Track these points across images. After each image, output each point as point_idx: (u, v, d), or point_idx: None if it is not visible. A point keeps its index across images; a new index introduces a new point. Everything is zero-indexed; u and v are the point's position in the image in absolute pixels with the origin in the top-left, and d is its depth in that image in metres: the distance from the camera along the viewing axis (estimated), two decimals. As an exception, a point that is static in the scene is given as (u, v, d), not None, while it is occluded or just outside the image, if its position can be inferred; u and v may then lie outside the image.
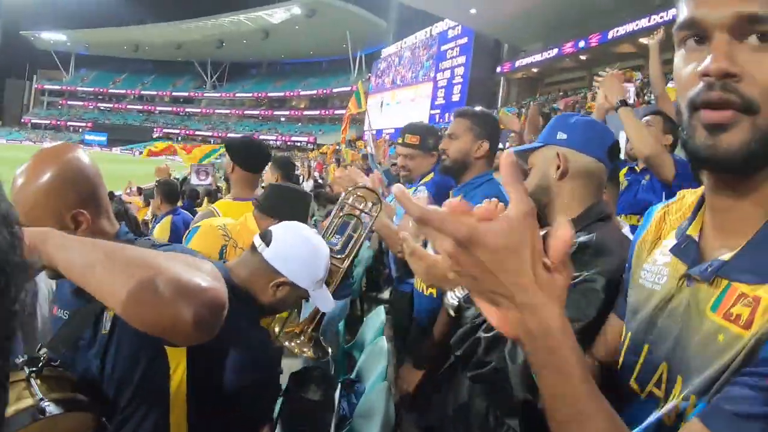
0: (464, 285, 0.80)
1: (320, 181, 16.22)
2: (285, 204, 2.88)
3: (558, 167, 1.79)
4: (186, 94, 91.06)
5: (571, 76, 39.93)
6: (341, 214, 2.85)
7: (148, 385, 1.57)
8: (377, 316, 3.97)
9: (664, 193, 3.40)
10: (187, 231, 3.04)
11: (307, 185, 14.39)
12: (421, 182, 3.50)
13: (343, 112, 67.09)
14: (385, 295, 5.84)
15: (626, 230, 2.59)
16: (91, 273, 1.21)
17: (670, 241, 1.10)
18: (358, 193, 2.89)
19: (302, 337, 2.32)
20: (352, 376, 3.40)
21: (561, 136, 1.85)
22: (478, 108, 3.22)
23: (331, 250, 2.57)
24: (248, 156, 3.53)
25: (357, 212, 2.84)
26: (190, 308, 1.15)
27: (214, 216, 3.23)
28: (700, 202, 1.06)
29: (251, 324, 1.96)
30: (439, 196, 3.24)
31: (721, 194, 0.97)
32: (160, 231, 5.48)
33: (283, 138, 73.16)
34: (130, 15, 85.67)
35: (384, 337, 3.40)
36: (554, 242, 0.76)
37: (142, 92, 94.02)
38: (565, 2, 31.82)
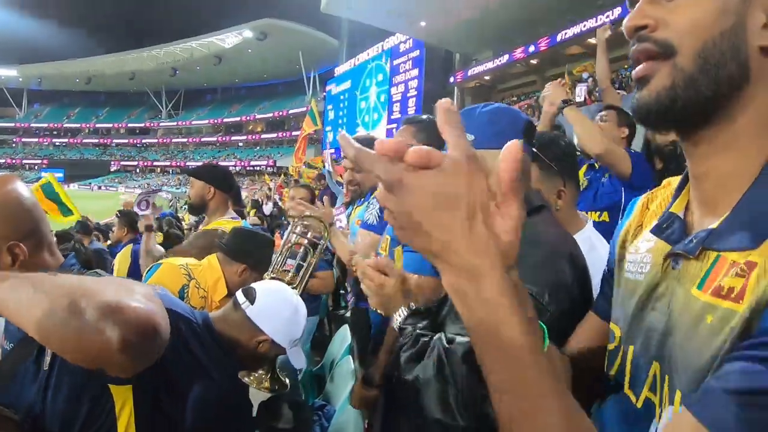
0: (399, 238, 0.71)
1: (280, 203, 16.12)
2: (250, 249, 2.97)
3: None
4: (142, 124, 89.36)
5: (524, 80, 40.57)
6: (290, 244, 3.07)
7: (93, 424, 1.49)
8: (343, 336, 3.89)
9: (623, 189, 3.39)
10: (149, 267, 3.01)
11: (267, 208, 14.27)
12: (372, 195, 3.48)
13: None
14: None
15: (589, 226, 2.54)
16: (16, 303, 1.16)
17: (643, 235, 1.07)
18: (305, 223, 3.10)
19: (260, 371, 2.29)
20: (321, 398, 3.38)
21: (469, 137, 1.66)
22: (424, 116, 3.15)
23: (282, 280, 2.92)
24: (224, 177, 3.82)
25: (305, 242, 3.06)
26: (115, 330, 1.07)
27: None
28: (684, 180, 1.02)
29: (227, 373, 2.02)
30: None
31: (697, 160, 0.94)
32: (121, 259, 5.47)
33: (242, 163, 72.53)
34: (81, 47, 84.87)
35: (350, 357, 3.33)
36: (501, 167, 0.68)
37: (97, 125, 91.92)
38: (513, 9, 32.26)
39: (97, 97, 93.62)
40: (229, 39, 67.61)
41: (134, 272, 5.44)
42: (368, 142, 2.71)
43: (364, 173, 3.48)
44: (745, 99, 0.86)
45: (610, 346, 1.11)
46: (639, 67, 0.91)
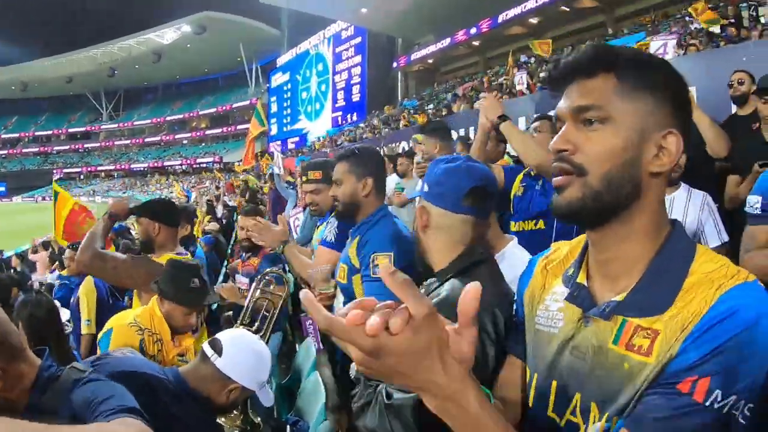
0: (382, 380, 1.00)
1: (230, 203, 15.94)
2: (179, 286, 2.99)
3: (420, 220, 1.87)
4: (83, 129, 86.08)
5: (467, 62, 41.00)
6: (254, 300, 3.45)
7: None
8: (307, 348, 3.90)
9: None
10: (102, 333, 3.03)
11: (218, 210, 14.11)
12: (331, 215, 3.60)
13: (246, 126, 66.34)
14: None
15: (516, 252, 2.63)
16: None
17: (559, 287, 1.31)
18: (267, 277, 3.54)
19: (233, 412, 2.48)
20: (292, 413, 3.44)
21: (425, 188, 1.89)
22: (358, 146, 3.42)
23: (250, 330, 3.23)
24: (169, 212, 3.84)
25: (267, 295, 3.47)
26: None
27: None
28: (582, 255, 1.29)
29: (204, 421, 2.25)
30: (346, 225, 3.35)
31: (601, 248, 1.21)
32: (86, 293, 5.37)
33: (188, 161, 71.40)
34: (14, 53, 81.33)
35: (317, 372, 3.35)
36: (461, 305, 0.87)
37: (37, 133, 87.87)
38: (452, -9, 32.50)
39: (35, 104, 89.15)
40: (167, 35, 66.02)
41: (101, 301, 5.34)
42: (329, 163, 2.78)
43: (323, 195, 3.68)
44: (638, 206, 1.15)
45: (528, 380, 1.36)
46: (558, 178, 1.17)
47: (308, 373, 3.55)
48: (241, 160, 50.81)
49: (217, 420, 2.38)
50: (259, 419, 2.60)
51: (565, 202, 1.16)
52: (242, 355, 2.32)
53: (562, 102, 1.20)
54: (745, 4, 18.32)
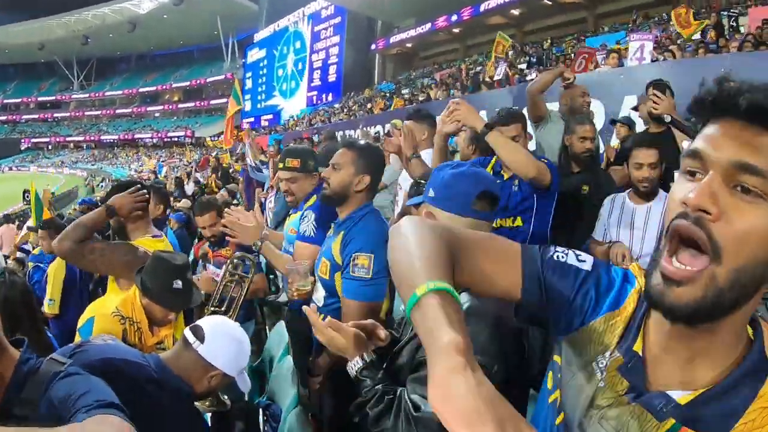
0: None
1: (202, 181, 15.76)
2: (162, 286, 2.93)
3: None
4: (53, 98, 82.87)
5: (446, 48, 41.01)
6: (225, 282, 3.54)
7: None
8: (280, 333, 3.88)
9: (535, 195, 3.63)
10: (82, 322, 2.93)
11: (188, 188, 13.94)
12: (306, 206, 3.65)
13: (219, 101, 65.73)
14: (282, 297, 5.75)
15: None
16: None
17: (607, 354, 1.12)
18: (235, 260, 3.58)
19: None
20: (265, 397, 3.44)
21: (431, 193, 1.93)
22: (364, 142, 3.35)
23: (219, 311, 3.42)
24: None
25: (236, 277, 3.53)
26: None
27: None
28: (641, 321, 1.11)
29: (185, 406, 2.29)
30: (324, 218, 3.41)
31: (679, 337, 1.01)
32: (55, 271, 5.30)
33: (159, 135, 69.90)
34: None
35: (290, 356, 3.34)
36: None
37: (5, 101, 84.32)
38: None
39: (4, 71, 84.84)
40: (144, 4, 64.07)
41: (70, 282, 5.25)
42: (308, 152, 2.79)
43: (299, 184, 3.72)
44: (744, 308, 0.94)
45: (551, 399, 1.22)
46: (678, 270, 0.92)
47: (280, 357, 3.53)
48: (214, 136, 50.37)
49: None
50: (227, 399, 2.63)
51: (683, 302, 0.92)
52: (224, 342, 2.34)
53: (714, 144, 0.93)
54: (725, 13, 18.61)
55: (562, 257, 1.22)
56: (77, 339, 2.79)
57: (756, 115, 0.89)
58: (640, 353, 1.07)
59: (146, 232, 3.59)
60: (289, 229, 3.78)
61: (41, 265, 6.58)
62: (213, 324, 2.39)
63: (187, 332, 2.32)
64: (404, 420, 1.61)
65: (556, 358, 1.24)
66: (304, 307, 1.98)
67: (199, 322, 2.38)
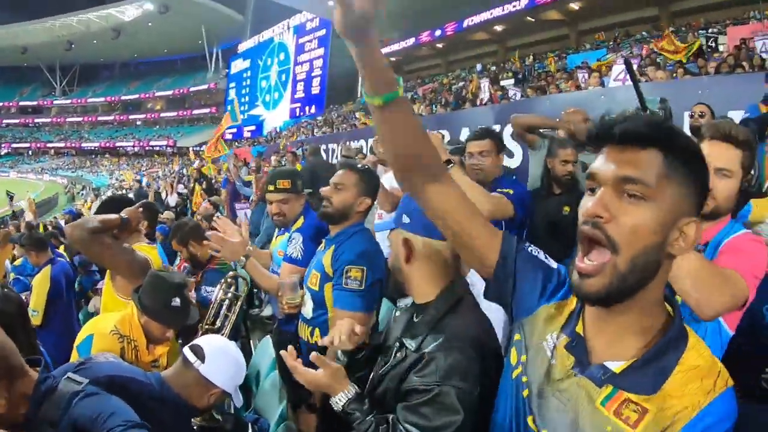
0: None
1: (185, 192, 15.71)
2: (161, 304, 2.96)
3: (404, 253, 1.92)
4: (34, 103, 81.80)
5: (429, 63, 41.34)
6: (217, 301, 3.62)
7: None
8: (266, 347, 3.93)
9: (503, 223, 3.73)
10: (80, 339, 2.97)
11: (172, 199, 13.92)
12: (293, 228, 3.73)
13: (202, 111, 65.41)
14: (266, 311, 5.81)
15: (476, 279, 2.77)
16: None
17: (554, 334, 1.41)
18: (229, 280, 3.68)
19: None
20: (251, 411, 3.50)
21: (405, 219, 1.95)
22: (362, 166, 3.44)
23: (213, 329, 3.53)
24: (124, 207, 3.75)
25: (229, 295, 3.63)
26: None
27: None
28: (582, 305, 1.39)
29: (184, 423, 2.41)
30: (312, 240, 3.53)
31: (604, 316, 1.29)
32: (40, 284, 5.33)
33: (141, 143, 69.37)
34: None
35: (276, 372, 3.38)
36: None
37: None
38: (420, -7, 32.66)
39: None
40: (129, 11, 63.79)
41: (55, 294, 5.27)
42: (296, 173, 2.88)
43: (291, 205, 3.76)
44: (649, 286, 1.22)
45: (515, 374, 1.47)
46: (588, 266, 1.21)
47: (267, 372, 3.57)
48: (197, 145, 50.18)
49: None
50: (218, 415, 2.69)
51: (595, 290, 1.20)
52: (224, 361, 2.44)
53: (603, 164, 1.22)
54: (704, 33, 18.92)
55: (535, 252, 1.56)
56: (74, 355, 2.84)
57: (627, 139, 1.20)
58: (581, 333, 1.34)
59: (140, 240, 3.80)
60: (278, 251, 3.84)
61: (21, 278, 6.58)
62: (212, 343, 2.47)
63: (188, 352, 2.40)
64: None
65: (517, 336, 1.51)
66: (282, 352, 2.04)
67: (198, 342, 2.46)
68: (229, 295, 3.62)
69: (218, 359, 2.41)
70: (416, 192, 1.54)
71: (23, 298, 5.43)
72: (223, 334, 3.35)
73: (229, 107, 12.68)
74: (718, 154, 2.17)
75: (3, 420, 1.65)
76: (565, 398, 1.30)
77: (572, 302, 1.43)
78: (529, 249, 1.56)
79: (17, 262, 7.63)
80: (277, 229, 4.07)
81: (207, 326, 3.61)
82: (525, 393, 1.40)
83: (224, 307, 3.59)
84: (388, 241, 2.09)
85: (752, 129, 4.43)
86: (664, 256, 1.21)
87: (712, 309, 1.89)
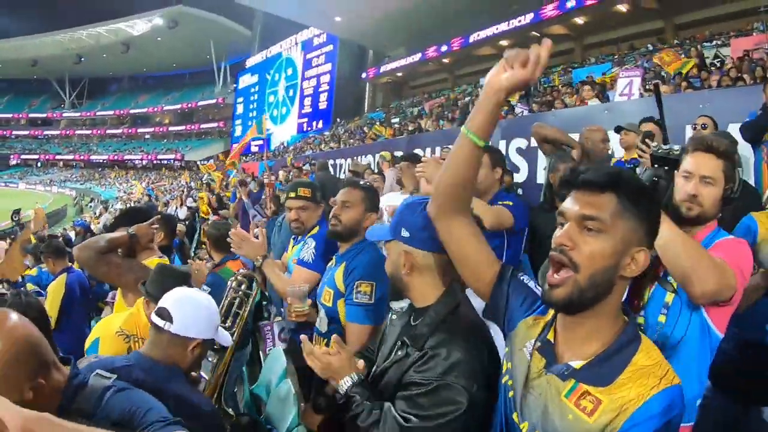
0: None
1: (194, 206, 15.82)
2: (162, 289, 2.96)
3: (404, 263, 2.08)
4: (44, 115, 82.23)
5: (435, 78, 41.28)
6: (228, 299, 3.50)
7: None
8: (277, 356, 3.99)
9: (505, 233, 3.85)
10: (89, 342, 3.05)
11: (182, 212, 14.02)
12: (308, 235, 3.83)
13: (210, 125, 65.62)
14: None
15: None
16: None
17: (532, 341, 1.69)
18: (239, 278, 3.61)
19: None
20: (262, 419, 3.49)
21: (405, 234, 2.10)
22: (364, 183, 3.61)
23: (221, 326, 3.15)
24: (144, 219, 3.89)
25: (240, 293, 3.54)
26: None
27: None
28: (552, 321, 1.68)
29: (186, 388, 2.37)
30: (325, 249, 3.62)
31: (570, 324, 1.59)
32: (54, 291, 5.42)
33: (149, 157, 69.80)
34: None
35: (288, 380, 3.45)
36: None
37: None
38: (427, 8, 32.78)
39: None
40: (138, 26, 64.27)
41: (69, 303, 5.38)
42: (316, 185, 2.98)
43: (309, 213, 3.87)
44: (605, 300, 1.51)
45: (504, 380, 1.76)
46: (555, 278, 1.51)
47: (278, 381, 3.64)
48: (204, 159, 50.32)
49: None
50: (231, 411, 2.82)
51: (560, 298, 1.50)
52: (191, 312, 2.39)
53: (571, 205, 1.53)
54: (708, 44, 18.97)
55: (526, 281, 1.86)
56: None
57: (587, 186, 1.51)
58: (552, 339, 1.64)
59: (153, 254, 3.84)
60: (292, 259, 3.91)
61: (39, 289, 6.68)
62: (174, 300, 2.41)
63: (154, 317, 2.36)
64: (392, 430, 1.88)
65: (506, 349, 1.81)
66: (302, 336, 2.24)
67: (160, 304, 2.40)
68: (240, 293, 3.60)
69: (185, 312, 2.37)
70: (445, 218, 1.87)
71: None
72: (233, 334, 3.35)
73: (254, 121, 12.85)
74: (702, 164, 2.42)
75: (40, 410, 1.74)
76: (538, 393, 1.58)
77: (548, 316, 1.72)
78: (522, 278, 1.86)
79: (33, 272, 7.72)
80: (292, 239, 4.15)
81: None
82: (510, 394, 1.69)
83: (235, 306, 3.55)
84: (384, 250, 2.24)
85: (747, 134, 4.56)
86: (617, 278, 1.50)
87: (701, 283, 2.11)
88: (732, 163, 2.48)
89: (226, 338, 2.63)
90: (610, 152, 5.40)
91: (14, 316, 1.73)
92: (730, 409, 3.01)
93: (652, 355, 1.50)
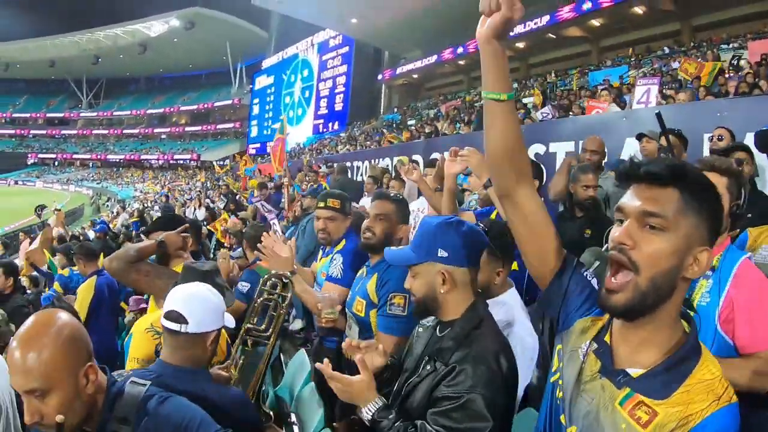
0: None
1: (213, 206, 15.92)
2: None
3: (444, 281, 2.15)
4: (61, 114, 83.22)
5: (451, 80, 41.25)
6: (260, 299, 3.46)
7: None
8: (301, 361, 4.09)
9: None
10: (126, 338, 3.21)
11: (200, 213, 14.13)
12: (335, 250, 3.89)
13: (226, 126, 65.92)
14: (296, 325, 5.97)
15: (510, 292, 3.08)
16: None
17: (587, 342, 1.61)
18: (273, 279, 3.54)
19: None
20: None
21: (442, 253, 2.16)
22: (395, 195, 3.65)
23: (258, 330, 3.43)
24: (176, 224, 3.93)
25: (274, 296, 3.48)
26: None
27: None
28: (609, 323, 1.59)
29: (214, 386, 2.43)
30: (353, 263, 3.68)
31: (629, 328, 1.49)
32: (84, 292, 5.56)
33: (165, 157, 70.58)
34: (-1, 31, 78.24)
35: (313, 383, 3.55)
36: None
37: (14, 115, 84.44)
38: (443, 10, 32.72)
39: (14, 85, 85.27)
40: (155, 27, 64.64)
41: (97, 305, 5.51)
42: (346, 197, 3.08)
43: (337, 224, 3.91)
44: (666, 304, 1.42)
45: (553, 379, 1.68)
46: (614, 282, 1.42)
47: (303, 383, 3.74)
48: (220, 160, 50.52)
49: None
50: (272, 413, 2.88)
51: (620, 304, 1.41)
52: (202, 307, 2.37)
53: (630, 200, 1.44)
54: (726, 46, 18.80)
55: (590, 277, 1.73)
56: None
57: (651, 179, 1.41)
58: (608, 342, 1.55)
59: (183, 261, 3.86)
60: (321, 272, 3.98)
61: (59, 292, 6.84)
62: (180, 300, 2.38)
63: (166, 323, 2.33)
64: None
65: (559, 346, 1.70)
66: (317, 364, 2.23)
67: (167, 309, 2.36)
68: (275, 295, 3.52)
69: (197, 310, 2.35)
70: (508, 189, 1.73)
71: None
72: (269, 336, 3.37)
73: (278, 123, 12.87)
74: None
75: (84, 407, 1.81)
76: (590, 397, 1.50)
77: (605, 318, 1.62)
78: (585, 273, 1.74)
79: (65, 272, 7.88)
80: (321, 251, 4.22)
81: (250, 324, 3.52)
82: (559, 394, 1.61)
83: (270, 308, 3.48)
84: (411, 271, 2.27)
85: (759, 143, 4.62)
86: (679, 279, 1.41)
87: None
88: (737, 181, 2.60)
89: (230, 320, 2.64)
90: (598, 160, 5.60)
91: (63, 313, 1.85)
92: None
93: (712, 369, 1.41)
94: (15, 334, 1.77)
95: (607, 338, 1.56)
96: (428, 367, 2.12)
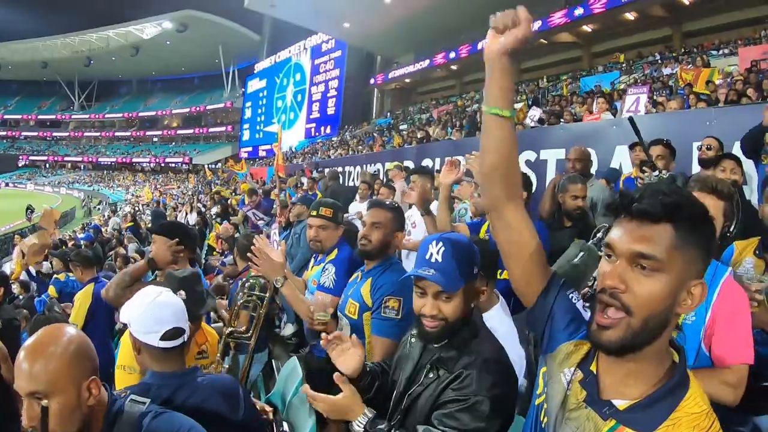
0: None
1: (204, 210, 15.88)
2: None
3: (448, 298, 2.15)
4: (53, 116, 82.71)
5: (443, 85, 41.35)
6: (240, 302, 3.59)
7: None
8: (292, 368, 4.10)
9: None
10: (117, 341, 3.18)
11: (192, 218, 14.11)
12: (327, 259, 3.92)
13: (218, 129, 65.76)
14: (286, 331, 5.99)
15: (497, 306, 3.16)
16: None
17: (571, 369, 1.57)
18: (251, 282, 3.66)
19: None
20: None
21: (475, 271, 2.22)
22: (390, 202, 3.65)
23: (239, 332, 3.54)
24: (186, 235, 3.97)
25: (253, 297, 3.60)
26: None
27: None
28: (593, 353, 1.55)
29: (201, 385, 2.40)
30: (345, 272, 3.70)
31: (620, 361, 1.43)
32: (82, 299, 5.48)
33: (157, 160, 70.15)
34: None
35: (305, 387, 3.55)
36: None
37: (5, 116, 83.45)
38: (436, 15, 32.85)
39: (6, 86, 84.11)
40: (147, 29, 64.31)
41: (95, 312, 5.51)
42: (339, 206, 3.13)
43: (328, 233, 3.93)
44: (657, 339, 1.38)
45: (538, 401, 1.66)
46: (605, 319, 1.38)
47: (296, 388, 3.75)
48: (212, 163, 50.43)
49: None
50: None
51: (611, 341, 1.37)
52: (155, 314, 2.35)
53: (620, 236, 1.38)
54: (716, 53, 18.91)
55: (575, 300, 1.70)
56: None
57: (643, 216, 1.34)
58: (595, 371, 1.51)
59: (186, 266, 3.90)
60: (312, 280, 4.01)
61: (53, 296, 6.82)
62: (133, 316, 2.36)
63: (142, 337, 2.33)
64: None
65: (543, 369, 1.68)
66: (303, 386, 2.31)
67: (133, 330, 2.37)
68: (254, 296, 3.65)
69: (151, 320, 2.33)
70: (497, 205, 1.72)
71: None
72: (250, 336, 3.49)
73: (274, 127, 13.21)
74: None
75: (82, 418, 1.84)
76: (575, 426, 1.47)
77: (589, 343, 1.58)
78: (570, 295, 1.70)
79: (61, 277, 7.88)
80: (313, 260, 4.23)
81: (231, 327, 3.60)
82: (544, 419, 1.59)
83: (250, 309, 3.60)
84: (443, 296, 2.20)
85: (745, 147, 4.70)
86: (672, 315, 1.37)
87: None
88: (732, 204, 2.66)
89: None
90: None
91: (71, 327, 1.91)
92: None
93: (699, 402, 1.37)
94: (24, 345, 1.82)
95: (593, 367, 1.52)
96: (431, 375, 2.15)
